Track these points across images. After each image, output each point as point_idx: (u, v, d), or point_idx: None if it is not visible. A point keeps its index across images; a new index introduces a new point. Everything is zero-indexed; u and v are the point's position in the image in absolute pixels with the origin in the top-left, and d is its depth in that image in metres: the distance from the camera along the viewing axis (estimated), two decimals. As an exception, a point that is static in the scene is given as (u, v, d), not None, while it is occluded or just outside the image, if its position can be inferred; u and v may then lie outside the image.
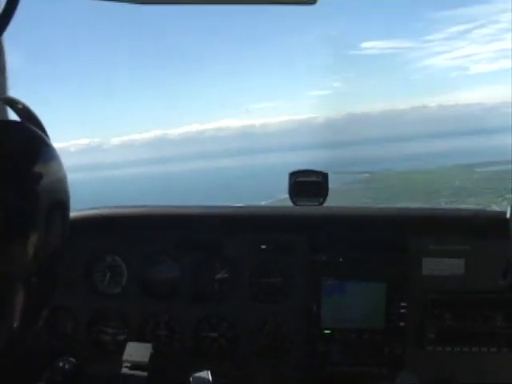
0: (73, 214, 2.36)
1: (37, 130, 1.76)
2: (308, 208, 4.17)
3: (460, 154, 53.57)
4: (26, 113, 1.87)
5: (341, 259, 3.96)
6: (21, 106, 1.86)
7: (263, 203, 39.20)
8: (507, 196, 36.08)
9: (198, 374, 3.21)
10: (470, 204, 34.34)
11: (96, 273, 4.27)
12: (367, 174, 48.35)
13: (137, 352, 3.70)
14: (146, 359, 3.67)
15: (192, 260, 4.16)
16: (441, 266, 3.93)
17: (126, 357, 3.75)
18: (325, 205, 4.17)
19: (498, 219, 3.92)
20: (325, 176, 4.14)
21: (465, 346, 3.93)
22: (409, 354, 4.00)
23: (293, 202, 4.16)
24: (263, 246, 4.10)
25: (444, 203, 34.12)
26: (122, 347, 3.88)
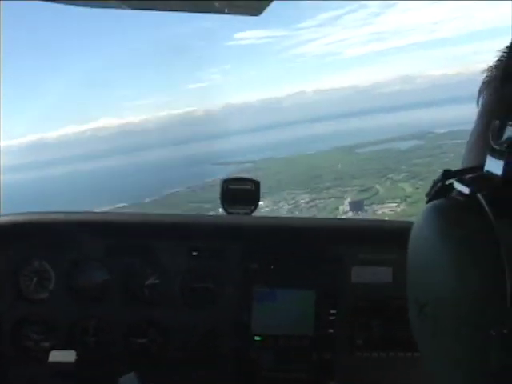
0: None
1: None
2: (240, 217, 4.20)
3: (339, 137, 54.24)
4: None
5: (272, 267, 3.94)
6: None
7: (147, 200, 38.89)
8: (389, 175, 37.22)
9: (124, 377, 3.22)
10: (354, 186, 34.41)
11: (22, 277, 4.07)
12: (250, 164, 48.50)
13: (61, 359, 3.63)
14: (71, 366, 3.61)
15: (121, 265, 4.01)
16: (369, 274, 3.97)
17: (50, 361, 3.62)
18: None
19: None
20: (257, 184, 4.25)
21: (391, 351, 3.95)
22: (338, 360, 3.97)
23: (224, 209, 4.22)
24: (195, 253, 4.00)
25: (327, 188, 33.94)
26: (46, 354, 3.69)
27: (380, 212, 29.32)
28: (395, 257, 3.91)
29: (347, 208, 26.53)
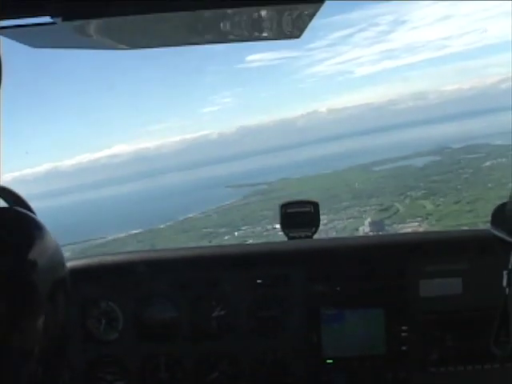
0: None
1: (25, 212, 1.86)
2: (302, 241, 4.28)
3: (355, 155, 53.66)
4: (11, 195, 1.98)
5: (338, 288, 4.00)
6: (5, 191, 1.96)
7: (162, 226, 38.56)
8: (408, 193, 36.54)
9: None
10: (372, 205, 33.74)
11: (91, 320, 4.17)
12: (265, 185, 48.13)
13: None
14: None
15: (188, 300, 4.10)
16: (438, 286, 3.97)
17: None
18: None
19: (492, 237, 3.99)
20: (315, 206, 4.30)
21: (468, 365, 3.97)
22: (412, 377, 4.00)
23: (285, 233, 4.30)
24: (259, 281, 4.06)
25: (345, 208, 33.29)
26: None
27: (402, 232, 27.98)
28: (464, 267, 3.97)
29: (367, 229, 25.78)
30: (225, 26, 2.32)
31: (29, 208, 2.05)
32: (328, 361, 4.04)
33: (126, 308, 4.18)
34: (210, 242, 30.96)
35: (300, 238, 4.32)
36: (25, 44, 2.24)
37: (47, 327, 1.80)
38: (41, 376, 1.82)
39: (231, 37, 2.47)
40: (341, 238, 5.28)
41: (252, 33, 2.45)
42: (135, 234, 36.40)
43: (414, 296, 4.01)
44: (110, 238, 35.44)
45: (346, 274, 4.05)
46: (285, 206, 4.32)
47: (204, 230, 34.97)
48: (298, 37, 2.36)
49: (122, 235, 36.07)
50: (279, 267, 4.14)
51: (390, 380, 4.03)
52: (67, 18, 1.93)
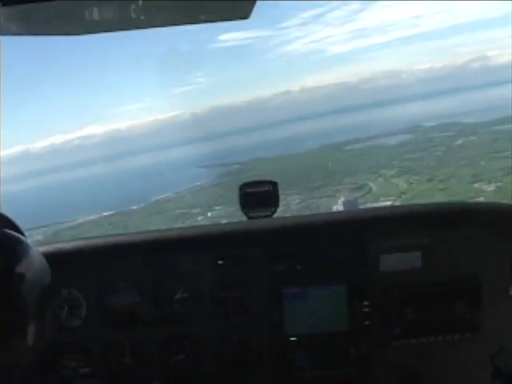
0: None
1: (11, 233, 1.89)
2: (261, 221, 4.28)
3: (327, 135, 53.67)
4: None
5: (299, 267, 4.03)
6: None
7: (134, 207, 38.32)
8: (381, 171, 36.58)
9: None
10: (346, 184, 33.74)
11: (53, 307, 4.06)
12: (238, 165, 48.05)
13: None
14: None
15: (149, 284, 4.10)
16: (398, 261, 4.02)
17: None
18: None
19: (453, 210, 4.25)
20: (275, 185, 4.31)
21: (429, 337, 4.07)
22: (375, 352, 4.09)
23: (244, 213, 4.31)
24: (220, 262, 4.08)
25: (318, 187, 33.20)
26: (86, 380, 4.07)
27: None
28: (424, 241, 4.00)
29: (341, 207, 25.75)
30: (170, 9, 2.34)
31: (17, 228, 2.09)
32: (291, 338, 4.10)
33: (88, 294, 4.18)
34: (183, 222, 30.91)
35: (259, 217, 4.32)
36: None
37: (35, 343, 1.82)
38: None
39: (176, 20, 2.46)
40: (300, 216, 5.33)
41: (196, 15, 2.42)
42: (107, 216, 36.23)
43: (375, 271, 4.06)
44: (81, 220, 35.23)
45: (306, 252, 4.07)
46: (244, 186, 4.32)
47: (177, 210, 34.81)
48: (246, 17, 2.36)
49: (93, 217, 35.86)
50: (239, 248, 4.16)
51: (353, 355, 4.10)
52: (6, 2, 1.93)
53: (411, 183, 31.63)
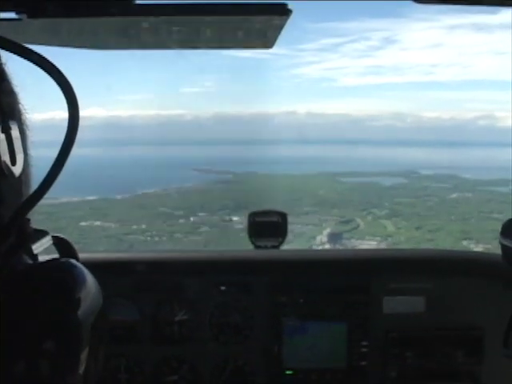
0: None
1: (72, 261, 1.91)
2: (267, 251, 4.31)
3: (325, 163, 53.59)
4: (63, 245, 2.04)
5: (301, 300, 4.03)
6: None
7: (118, 197, 37.92)
8: (371, 210, 36.31)
9: None
10: (334, 216, 33.47)
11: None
12: (229, 175, 47.91)
13: None
14: None
15: (151, 302, 4.15)
16: (401, 304, 4.02)
17: None
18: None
19: (459, 259, 4.31)
20: (284, 217, 4.32)
21: (427, 383, 4.04)
22: None
23: (252, 242, 4.34)
24: (223, 288, 4.11)
25: (306, 213, 32.83)
26: None
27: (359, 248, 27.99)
28: (428, 286, 4.06)
29: (325, 239, 25.46)
30: (195, 32, 2.34)
31: (76, 256, 2.07)
32: (288, 372, 4.09)
33: None
34: (164, 222, 30.56)
35: (266, 247, 4.35)
36: None
37: (87, 379, 1.75)
38: None
39: (201, 44, 2.51)
40: (307, 250, 5.94)
41: (222, 41, 2.48)
42: (89, 200, 35.76)
43: (377, 312, 4.08)
44: (63, 199, 34.80)
45: (310, 286, 4.08)
46: (253, 215, 4.36)
47: (160, 208, 34.25)
48: (270, 47, 2.40)
49: (75, 199, 35.36)
50: (244, 275, 4.20)
51: None
52: (32, 15, 1.93)
53: (399, 228, 31.23)
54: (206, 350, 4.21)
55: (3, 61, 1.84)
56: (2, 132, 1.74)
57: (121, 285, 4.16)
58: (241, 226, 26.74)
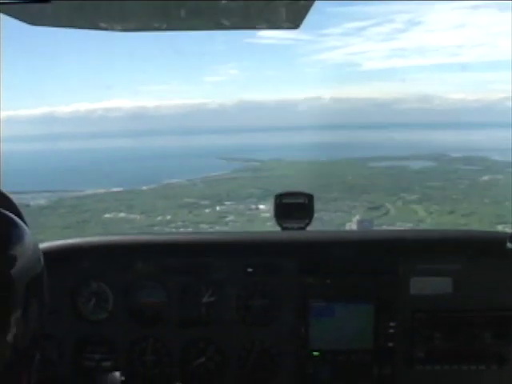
0: (57, 242, 3.64)
1: (5, 213, 1.88)
2: (294, 232, 4.31)
3: (352, 148, 53.04)
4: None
5: (328, 281, 4.02)
6: None
7: (144, 188, 37.84)
8: (401, 195, 35.77)
9: None
10: (363, 202, 32.98)
11: (81, 298, 4.23)
12: (255, 163, 47.69)
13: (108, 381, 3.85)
14: None
15: (178, 284, 4.15)
16: (429, 285, 4.04)
17: None
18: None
19: (487, 240, 4.26)
20: (310, 198, 4.32)
21: (454, 365, 4.05)
22: (398, 374, 4.09)
23: (279, 224, 4.34)
24: (250, 270, 4.09)
25: (335, 200, 32.39)
26: (106, 373, 3.96)
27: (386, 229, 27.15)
28: (455, 267, 4.05)
29: (354, 226, 24.85)
30: (222, 12, 2.35)
31: (17, 211, 2.06)
32: (315, 353, 4.09)
33: (116, 289, 4.23)
34: (189, 212, 30.40)
35: (293, 229, 4.30)
36: (22, 21, 2.25)
37: (16, 339, 1.73)
38: None
39: (228, 24, 2.47)
40: (334, 232, 5.44)
41: (249, 21, 2.52)
42: (115, 192, 35.83)
43: (404, 293, 4.07)
44: (88, 192, 34.87)
45: (337, 267, 4.09)
46: (279, 197, 4.32)
47: (186, 199, 34.16)
48: (296, 28, 2.46)
49: (101, 191, 35.45)
50: (270, 257, 4.18)
51: (376, 375, 4.09)
52: None
53: (431, 212, 30.69)
54: (233, 332, 4.24)
55: None
56: None
57: (148, 267, 4.20)
58: (267, 215, 26.35)
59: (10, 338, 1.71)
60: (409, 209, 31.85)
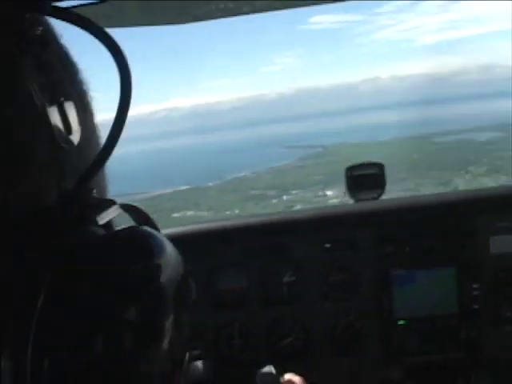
0: None
1: (151, 230, 1.51)
2: (368, 203, 4.19)
3: (415, 125, 52.31)
4: (139, 214, 1.66)
5: (407, 249, 3.93)
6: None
7: (210, 184, 38.24)
8: (469, 168, 35.11)
9: (262, 371, 2.75)
10: (430, 178, 32.45)
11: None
12: (320, 148, 47.51)
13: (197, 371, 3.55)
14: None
15: (258, 267, 4.01)
16: (509, 243, 3.85)
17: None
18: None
19: None
20: (381, 167, 4.25)
21: None
22: (486, 336, 3.90)
23: (351, 196, 4.23)
24: (327, 245, 3.99)
25: (402, 179, 31.84)
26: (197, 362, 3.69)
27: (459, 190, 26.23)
28: None
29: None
30: None
31: (155, 226, 1.76)
32: (400, 322, 4.02)
33: (197, 278, 3.99)
34: (256, 204, 30.53)
35: (367, 199, 4.23)
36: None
37: (171, 345, 1.38)
38: None
39: (276, 5, 2.26)
40: (409, 197, 5.28)
41: None
42: (181, 190, 36.24)
43: (484, 253, 3.94)
44: (155, 193, 35.39)
45: (414, 233, 3.99)
46: (350, 169, 4.25)
47: (252, 191, 34.33)
48: None
49: (168, 191, 35.95)
50: (347, 230, 4.08)
51: (463, 339, 4.00)
52: None
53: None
54: (317, 310, 4.11)
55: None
56: (53, 104, 1.70)
57: (227, 253, 4.13)
58: (335, 201, 26.32)
59: (165, 344, 1.71)
60: (478, 182, 30.99)
